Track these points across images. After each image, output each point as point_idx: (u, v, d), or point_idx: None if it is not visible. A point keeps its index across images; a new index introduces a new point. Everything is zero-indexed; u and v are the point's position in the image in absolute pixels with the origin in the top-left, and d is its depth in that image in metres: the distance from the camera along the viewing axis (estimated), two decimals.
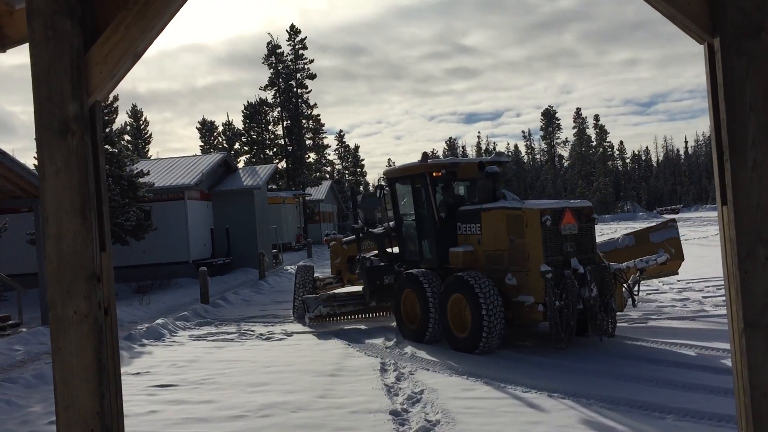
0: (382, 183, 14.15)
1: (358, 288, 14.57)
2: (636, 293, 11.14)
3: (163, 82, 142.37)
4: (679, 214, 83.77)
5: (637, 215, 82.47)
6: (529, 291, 10.23)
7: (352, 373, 9.45)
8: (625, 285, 10.94)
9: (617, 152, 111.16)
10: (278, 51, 59.01)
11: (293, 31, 59.57)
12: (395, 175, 13.41)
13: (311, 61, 59.91)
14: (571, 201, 11.19)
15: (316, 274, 16.29)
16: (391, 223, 14.02)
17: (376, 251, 14.45)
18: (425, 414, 7.23)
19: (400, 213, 13.38)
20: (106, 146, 22.77)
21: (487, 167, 12.02)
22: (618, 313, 12.19)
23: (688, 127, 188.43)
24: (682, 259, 12.73)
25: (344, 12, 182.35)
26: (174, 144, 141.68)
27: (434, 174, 12.12)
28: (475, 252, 11.32)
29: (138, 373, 10.09)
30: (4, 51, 3.98)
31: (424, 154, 12.61)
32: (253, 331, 13.75)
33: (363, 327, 13.45)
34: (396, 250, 14.00)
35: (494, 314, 10.07)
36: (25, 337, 13.66)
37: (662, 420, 6.65)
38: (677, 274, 13.44)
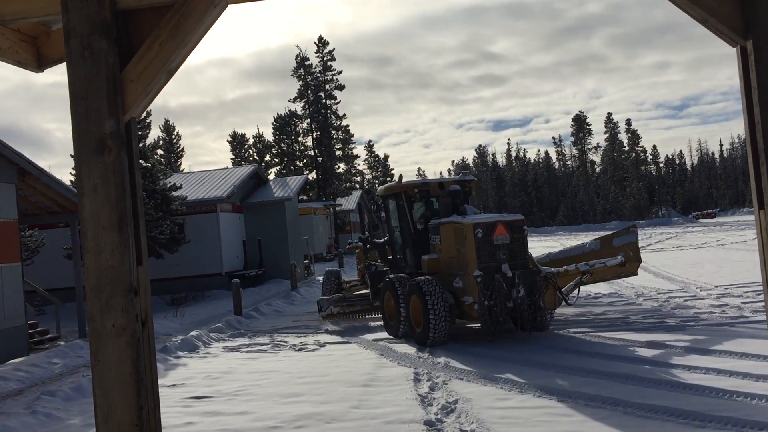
0: (378, 200, 16.01)
1: (366, 290, 16.31)
2: (571, 294, 13.01)
3: (193, 96, 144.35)
4: (715, 219, 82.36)
5: (672, 220, 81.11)
6: (469, 292, 11.96)
7: (385, 383, 9.43)
8: (559, 288, 12.61)
9: (650, 157, 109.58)
10: (307, 63, 59.45)
11: (321, 43, 59.98)
12: (383, 194, 15.33)
13: (339, 72, 60.26)
14: (505, 215, 12.95)
15: (344, 278, 18.43)
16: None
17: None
18: (460, 424, 7.19)
19: (392, 225, 15.15)
20: (140, 161, 23.13)
21: (450, 187, 13.80)
22: (653, 320, 12.41)
23: (723, 129, 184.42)
24: (640, 261, 14.39)
25: (370, 23, 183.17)
26: (205, 157, 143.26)
27: (408, 192, 14.21)
28: (438, 259, 13.17)
29: (173, 385, 10.20)
30: (42, 71, 4.09)
31: (400, 176, 14.49)
32: (286, 342, 13.81)
33: (394, 337, 13.43)
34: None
35: (439, 313, 11.81)
36: (64, 350, 13.89)
37: (702, 429, 6.53)
38: (637, 274, 14.99)
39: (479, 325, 13.23)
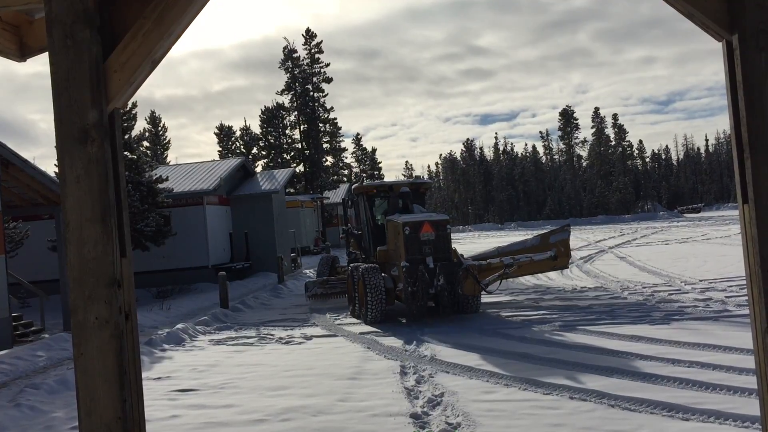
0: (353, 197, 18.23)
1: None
2: (492, 284, 14.34)
3: (178, 88, 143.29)
4: (700, 213, 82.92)
5: (657, 215, 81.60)
6: (401, 280, 13.94)
7: (371, 376, 9.44)
8: (477, 279, 13.99)
9: (636, 151, 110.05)
10: (294, 55, 59.21)
11: (309, 35, 59.78)
12: (354, 192, 17.59)
13: (327, 65, 60.07)
14: (434, 215, 15.31)
15: (341, 264, 20.77)
16: None
17: None
18: (446, 417, 7.21)
19: (361, 220, 17.25)
20: (126, 153, 22.97)
21: (401, 189, 16.22)
22: (638, 314, 12.67)
23: (708, 124, 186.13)
24: (569, 257, 16.32)
25: (356, 15, 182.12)
26: (190, 149, 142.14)
27: (369, 192, 16.78)
28: (387, 250, 15.33)
29: (159, 378, 10.16)
30: (24, 60, 4.03)
31: (363, 178, 16.10)
32: (272, 335, 13.79)
33: (381, 330, 13.47)
34: None
35: (375, 297, 14.15)
36: (48, 343, 13.80)
37: (686, 422, 6.58)
38: (567, 268, 17.41)
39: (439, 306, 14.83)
